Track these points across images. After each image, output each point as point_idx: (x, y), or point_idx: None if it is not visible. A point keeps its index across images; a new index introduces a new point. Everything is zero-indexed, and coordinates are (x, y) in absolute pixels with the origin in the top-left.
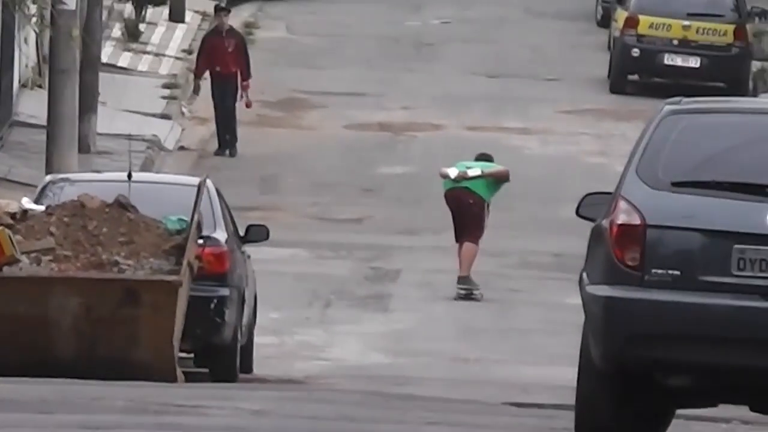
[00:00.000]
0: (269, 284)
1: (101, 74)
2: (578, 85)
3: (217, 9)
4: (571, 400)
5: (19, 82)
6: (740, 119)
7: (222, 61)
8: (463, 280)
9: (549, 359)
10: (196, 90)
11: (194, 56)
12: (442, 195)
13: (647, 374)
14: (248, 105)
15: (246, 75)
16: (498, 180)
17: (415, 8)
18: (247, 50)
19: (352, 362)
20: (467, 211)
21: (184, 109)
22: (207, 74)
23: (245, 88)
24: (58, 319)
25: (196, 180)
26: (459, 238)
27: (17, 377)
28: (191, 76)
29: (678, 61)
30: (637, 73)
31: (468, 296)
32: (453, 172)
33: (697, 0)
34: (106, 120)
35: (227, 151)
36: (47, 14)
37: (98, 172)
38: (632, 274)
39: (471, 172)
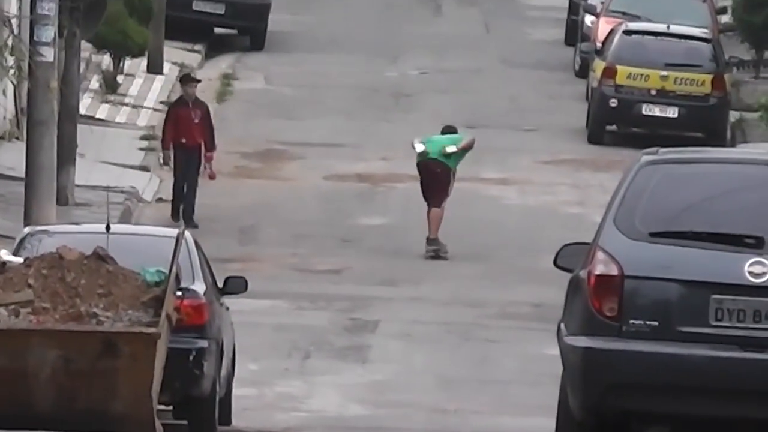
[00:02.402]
0: (248, 335)
1: (79, 126)
2: (556, 136)
3: (187, 79)
4: None
5: None
6: (718, 169)
7: (188, 132)
8: (432, 241)
9: (528, 410)
10: (167, 161)
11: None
12: (421, 245)
13: (625, 424)
14: (212, 177)
15: (210, 146)
16: (465, 149)
17: (393, 59)
18: (211, 120)
19: (331, 413)
20: (435, 179)
21: (161, 161)
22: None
23: (209, 159)
24: (36, 372)
25: (174, 232)
26: (428, 203)
27: None
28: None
29: (656, 111)
30: (615, 123)
31: (437, 256)
32: (420, 147)
33: (675, 50)
34: (85, 172)
35: (187, 223)
36: (25, 66)
37: (76, 223)
38: (610, 324)
39: (449, 149)
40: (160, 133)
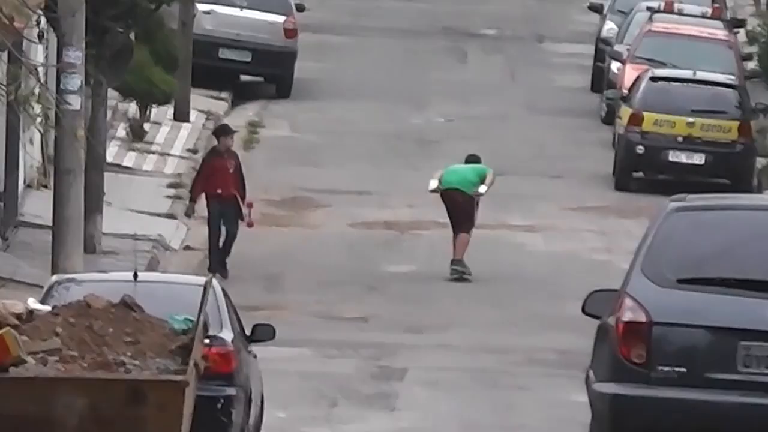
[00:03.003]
0: (275, 383)
1: (106, 174)
2: (582, 182)
3: (224, 131)
4: None
5: (25, 182)
6: (745, 215)
7: (224, 182)
8: (457, 262)
9: None
10: (191, 212)
11: (199, 155)
12: (448, 292)
13: None
14: (251, 225)
15: (243, 195)
16: (483, 181)
17: (419, 106)
18: (242, 170)
19: None
20: (460, 208)
21: (187, 212)
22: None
23: (250, 206)
24: (64, 420)
25: (201, 279)
26: (455, 229)
27: None
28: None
29: (682, 157)
30: (641, 170)
31: (461, 278)
32: (433, 184)
33: (702, 97)
34: (112, 220)
35: (220, 274)
36: (52, 114)
37: (104, 272)
38: (639, 371)
39: (481, 190)
40: (187, 181)
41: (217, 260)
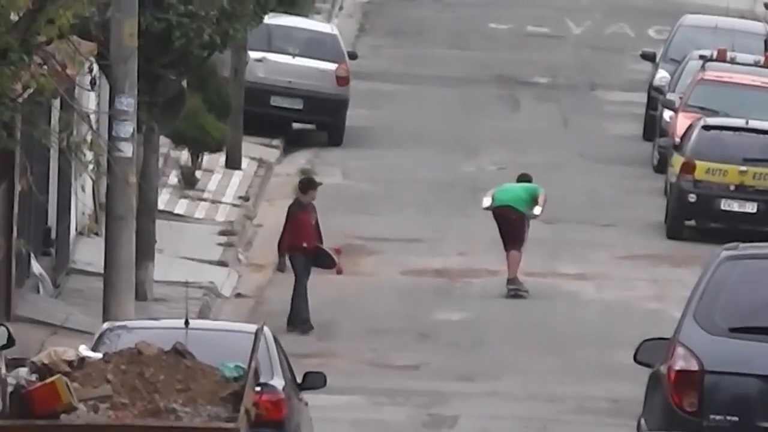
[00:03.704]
0: (327, 431)
1: (158, 221)
2: (634, 231)
3: (312, 184)
4: None
5: (76, 229)
6: None
7: (308, 236)
8: (511, 281)
9: None
10: (283, 267)
11: (251, 203)
12: (500, 341)
13: None
14: (341, 272)
15: (322, 243)
16: (534, 199)
17: (471, 153)
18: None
19: None
20: (512, 225)
21: (240, 256)
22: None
23: (339, 252)
24: None
25: (253, 327)
26: (506, 246)
27: None
28: (247, 223)
29: (735, 206)
30: (693, 218)
31: (516, 295)
32: (486, 202)
33: (753, 145)
34: (163, 267)
35: (306, 331)
36: (104, 161)
37: (155, 319)
38: (691, 420)
39: (536, 212)
40: (237, 228)
41: (306, 316)
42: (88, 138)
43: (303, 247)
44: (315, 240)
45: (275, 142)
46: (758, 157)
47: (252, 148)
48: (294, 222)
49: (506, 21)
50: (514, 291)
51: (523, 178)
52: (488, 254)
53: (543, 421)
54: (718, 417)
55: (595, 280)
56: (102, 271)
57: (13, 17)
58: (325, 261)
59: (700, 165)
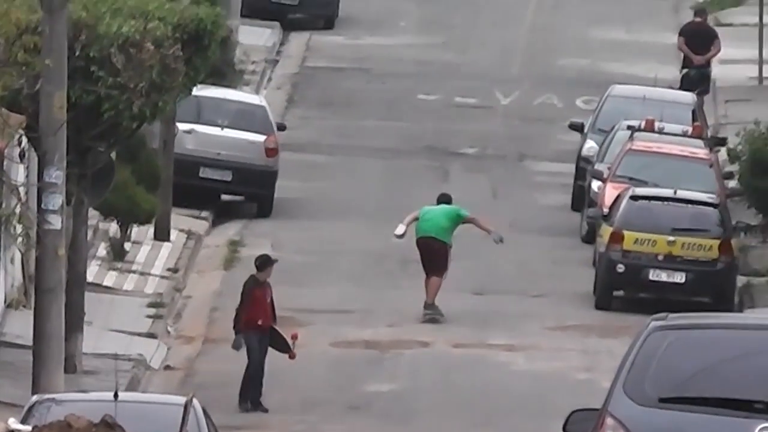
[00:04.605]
0: None
1: (87, 293)
2: (564, 301)
3: (269, 262)
4: None
5: (5, 302)
6: (726, 334)
7: (264, 313)
8: (429, 306)
9: None
10: (238, 346)
11: (180, 274)
12: (432, 414)
13: None
14: (294, 357)
15: (275, 323)
16: (456, 224)
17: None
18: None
19: None
20: (434, 255)
21: (169, 329)
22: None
23: (295, 338)
24: None
25: (182, 399)
26: (428, 273)
27: None
28: (176, 295)
29: (663, 276)
30: (622, 288)
31: (433, 319)
32: (400, 230)
33: (682, 215)
34: (92, 339)
35: (257, 407)
36: (33, 233)
37: (85, 391)
38: None
39: (496, 237)
40: (167, 300)
41: (257, 397)
42: (18, 210)
43: (258, 325)
44: (270, 318)
45: (204, 213)
46: (687, 227)
47: (181, 220)
48: (250, 299)
49: (435, 92)
50: (431, 316)
51: (443, 198)
52: (418, 326)
53: None
54: None
55: (525, 350)
56: (31, 344)
57: None
58: (278, 344)
59: (629, 235)
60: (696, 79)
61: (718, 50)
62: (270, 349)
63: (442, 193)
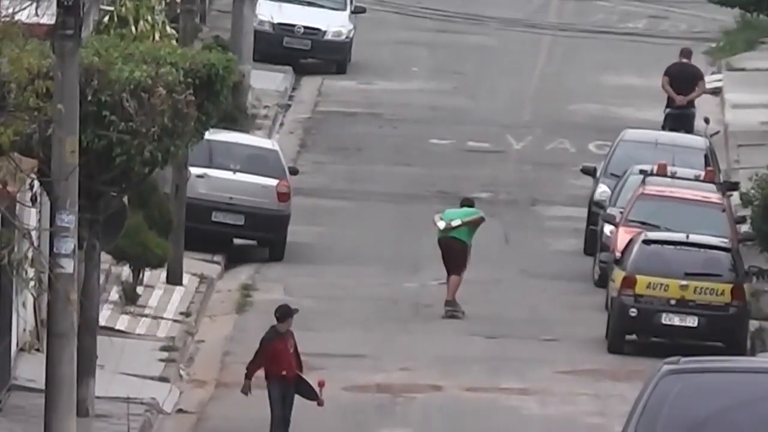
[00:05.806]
0: None
1: (99, 337)
2: (576, 346)
3: (289, 313)
4: None
5: (18, 346)
6: (738, 379)
7: (288, 364)
8: (449, 303)
9: None
10: (248, 390)
11: (192, 318)
12: None
13: None
14: (322, 404)
15: (301, 370)
16: (476, 225)
17: (413, 270)
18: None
19: None
20: (454, 254)
21: (182, 372)
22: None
23: (322, 386)
24: None
25: None
26: (448, 272)
27: None
28: (189, 338)
29: (676, 320)
30: (635, 333)
31: (453, 315)
32: (441, 224)
33: (695, 260)
34: (105, 383)
35: None
36: (45, 278)
37: None
38: None
39: (453, 224)
40: (179, 344)
41: None
42: (30, 255)
43: (282, 376)
44: (295, 368)
45: (216, 258)
46: (699, 272)
47: (193, 264)
48: (271, 351)
49: (447, 137)
50: (451, 312)
51: (466, 202)
52: (430, 370)
53: None
54: None
55: (537, 395)
56: (43, 388)
57: None
58: (305, 392)
59: (641, 279)
60: (678, 120)
61: (703, 91)
62: (297, 396)
63: (465, 197)
